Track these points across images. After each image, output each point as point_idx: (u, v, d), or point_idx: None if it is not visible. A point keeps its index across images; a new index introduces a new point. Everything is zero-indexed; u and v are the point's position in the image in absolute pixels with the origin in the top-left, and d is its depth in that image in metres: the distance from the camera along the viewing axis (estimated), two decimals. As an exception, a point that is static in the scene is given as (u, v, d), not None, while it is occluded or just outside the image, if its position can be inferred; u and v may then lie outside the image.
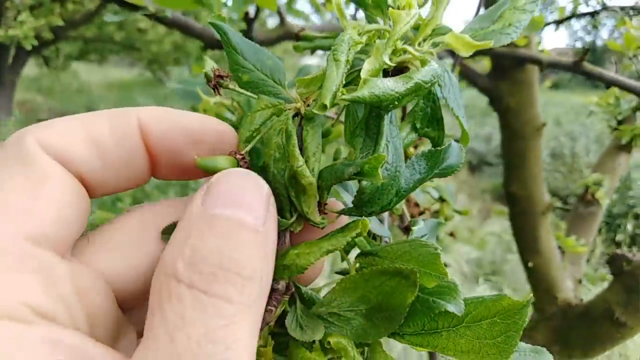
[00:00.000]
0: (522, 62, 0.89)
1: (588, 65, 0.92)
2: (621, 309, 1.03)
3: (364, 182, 0.25)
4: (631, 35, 1.17)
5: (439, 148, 0.28)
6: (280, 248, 0.26)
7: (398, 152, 0.26)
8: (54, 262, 0.24)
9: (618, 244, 4.49)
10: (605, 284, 1.14)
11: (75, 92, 8.33)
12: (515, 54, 0.87)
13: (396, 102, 0.22)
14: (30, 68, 7.48)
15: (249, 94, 0.26)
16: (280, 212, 0.26)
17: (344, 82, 0.23)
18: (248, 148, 0.26)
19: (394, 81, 0.23)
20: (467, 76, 1.01)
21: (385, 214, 0.36)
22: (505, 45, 0.27)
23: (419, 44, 0.26)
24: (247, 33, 0.76)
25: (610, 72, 0.99)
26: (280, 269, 0.25)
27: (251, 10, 0.76)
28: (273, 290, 0.25)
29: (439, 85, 0.25)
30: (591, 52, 1.05)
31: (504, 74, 0.90)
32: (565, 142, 6.43)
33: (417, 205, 0.73)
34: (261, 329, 0.25)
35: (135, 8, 0.75)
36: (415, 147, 0.73)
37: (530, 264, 1.08)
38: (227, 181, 0.24)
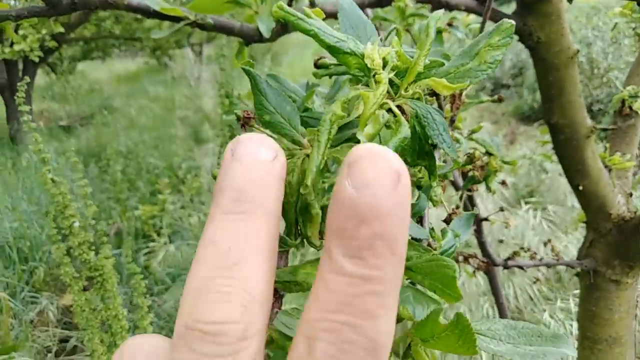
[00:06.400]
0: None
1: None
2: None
3: None
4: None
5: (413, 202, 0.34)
6: (283, 266, 0.30)
7: None
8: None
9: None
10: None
11: (87, 93, 8.39)
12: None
13: None
14: (39, 78, 7.53)
15: (270, 133, 0.30)
16: (288, 235, 0.30)
17: (324, 161, 0.27)
18: None
19: None
20: (496, 20, 1.01)
21: (425, 211, 0.39)
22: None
23: (405, 89, 0.30)
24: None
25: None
26: (292, 284, 0.29)
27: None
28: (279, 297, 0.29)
29: (423, 125, 0.29)
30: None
31: (530, 10, 0.91)
32: (581, 48, 6.21)
33: (471, 160, 0.75)
34: None
35: (176, 20, 0.79)
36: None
37: (580, 187, 1.11)
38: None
